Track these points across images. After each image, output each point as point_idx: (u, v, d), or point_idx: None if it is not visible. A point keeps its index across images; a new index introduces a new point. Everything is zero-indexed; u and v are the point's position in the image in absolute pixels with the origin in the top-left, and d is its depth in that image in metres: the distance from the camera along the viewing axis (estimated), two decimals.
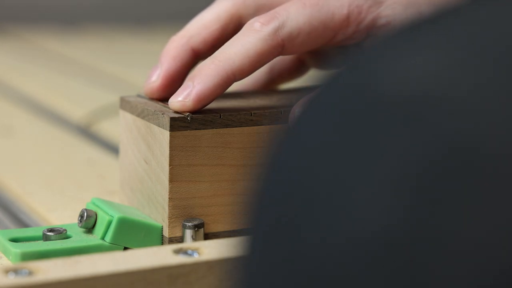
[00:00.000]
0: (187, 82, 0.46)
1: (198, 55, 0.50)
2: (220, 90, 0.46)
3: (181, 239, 0.46)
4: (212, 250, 0.40)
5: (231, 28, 0.50)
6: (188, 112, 0.46)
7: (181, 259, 0.39)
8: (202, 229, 0.45)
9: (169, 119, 0.45)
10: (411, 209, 0.23)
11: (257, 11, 0.50)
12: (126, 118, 0.49)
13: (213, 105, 0.48)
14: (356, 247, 0.24)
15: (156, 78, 0.49)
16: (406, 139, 0.24)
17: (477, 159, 0.23)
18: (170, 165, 0.45)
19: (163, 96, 0.48)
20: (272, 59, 0.48)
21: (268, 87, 0.59)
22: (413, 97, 0.25)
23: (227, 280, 0.29)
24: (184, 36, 0.50)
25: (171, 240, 0.45)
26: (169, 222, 0.45)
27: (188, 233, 0.45)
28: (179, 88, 0.47)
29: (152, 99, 0.49)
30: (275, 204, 0.27)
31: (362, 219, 0.24)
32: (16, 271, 0.37)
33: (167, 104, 0.47)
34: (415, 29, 0.27)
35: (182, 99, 0.46)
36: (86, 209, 0.46)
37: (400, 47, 0.27)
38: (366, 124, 0.25)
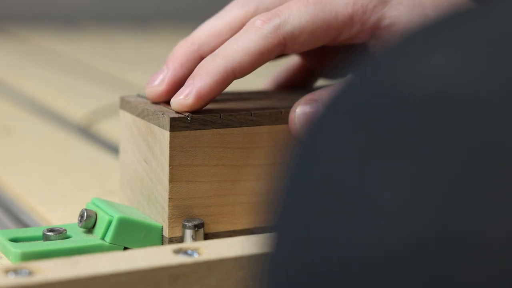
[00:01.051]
0: (188, 81, 0.46)
1: None
2: (220, 87, 0.46)
3: (181, 239, 0.46)
4: (212, 250, 0.40)
5: None
6: (189, 110, 0.46)
7: (181, 259, 0.39)
8: (202, 229, 0.45)
9: (169, 119, 0.45)
10: (437, 211, 0.23)
11: None
12: (126, 118, 0.49)
13: (213, 105, 0.47)
14: (382, 251, 0.24)
15: (160, 82, 0.48)
16: (432, 139, 0.24)
17: (503, 158, 0.23)
18: (170, 165, 0.45)
19: (166, 100, 0.48)
20: (274, 57, 0.47)
21: None
22: (438, 96, 0.25)
23: (250, 277, 0.29)
24: (194, 44, 0.49)
25: (171, 240, 0.45)
26: (169, 222, 0.45)
27: (188, 233, 0.45)
28: (181, 88, 0.46)
29: None
30: (301, 204, 0.26)
31: (387, 223, 0.24)
32: (16, 271, 0.37)
33: (167, 105, 0.47)
34: (437, 27, 0.27)
35: (183, 97, 0.45)
36: (86, 209, 0.46)
37: (423, 45, 0.27)
38: (392, 124, 0.25)
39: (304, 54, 0.57)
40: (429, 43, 0.27)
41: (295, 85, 0.57)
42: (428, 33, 0.27)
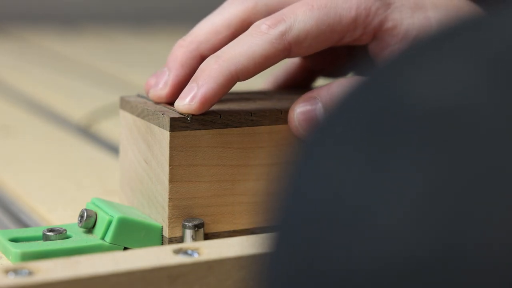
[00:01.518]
0: (191, 84, 0.46)
1: None
2: (224, 91, 0.46)
3: (181, 239, 0.46)
4: (212, 250, 0.40)
5: (241, 34, 0.49)
6: (194, 114, 0.45)
7: (181, 259, 0.39)
8: (202, 229, 0.45)
9: (169, 119, 0.44)
10: (437, 223, 0.23)
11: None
12: (126, 118, 0.49)
13: (213, 105, 0.47)
14: (382, 254, 0.24)
15: (164, 85, 0.48)
16: (433, 152, 0.24)
17: (506, 176, 0.23)
18: (170, 165, 0.45)
19: (170, 102, 0.48)
20: (277, 62, 0.47)
21: None
22: (440, 109, 0.25)
23: (250, 277, 0.29)
24: (193, 42, 0.49)
25: (171, 240, 0.45)
26: (169, 222, 0.45)
27: (188, 233, 0.45)
28: (184, 90, 0.46)
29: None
30: (302, 205, 0.26)
31: (387, 230, 0.24)
32: (16, 271, 0.37)
33: (168, 105, 0.47)
34: (441, 39, 0.27)
35: (188, 102, 0.45)
36: (86, 209, 0.46)
37: (427, 57, 0.27)
38: (393, 134, 0.25)
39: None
40: (433, 55, 0.27)
41: (295, 84, 0.57)
42: (433, 45, 0.27)
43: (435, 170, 0.24)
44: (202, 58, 0.48)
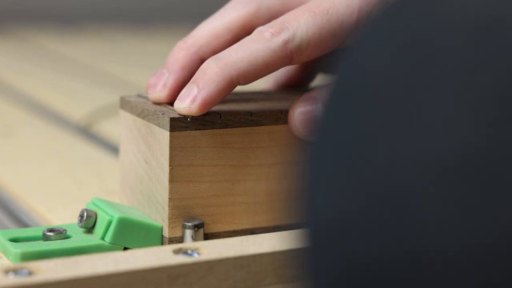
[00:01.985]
0: (191, 85, 0.46)
1: None
2: (224, 94, 0.45)
3: (181, 239, 0.46)
4: (212, 250, 0.40)
5: (243, 38, 0.48)
6: (193, 116, 0.45)
7: (181, 259, 0.39)
8: (202, 229, 0.45)
9: (169, 119, 0.45)
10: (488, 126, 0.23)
11: (270, 21, 0.48)
12: (126, 118, 0.49)
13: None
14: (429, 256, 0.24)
15: (163, 87, 0.48)
16: (480, 60, 0.24)
17: None
18: (170, 165, 0.45)
19: (170, 103, 0.48)
20: (278, 69, 0.47)
21: None
22: (485, 20, 0.24)
23: (292, 270, 0.29)
24: (194, 45, 0.49)
25: (171, 240, 0.45)
26: (169, 222, 0.45)
27: (188, 233, 0.45)
28: (183, 91, 0.46)
29: None
30: (339, 199, 0.26)
31: (432, 230, 0.24)
32: (16, 271, 0.37)
33: (167, 105, 0.47)
34: None
35: (188, 105, 0.45)
36: (86, 209, 0.46)
37: None
38: (436, 47, 0.25)
39: None
40: None
41: (296, 83, 0.57)
42: None
43: (482, 73, 0.24)
44: (202, 62, 0.48)
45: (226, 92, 0.45)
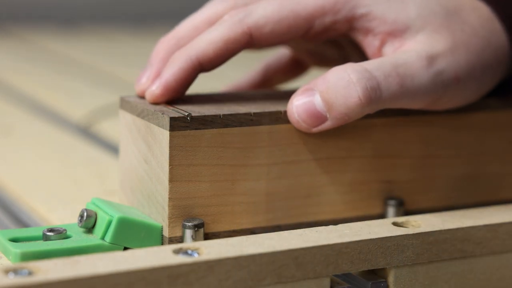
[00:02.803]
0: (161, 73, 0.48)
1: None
2: (185, 76, 0.47)
3: (181, 239, 0.46)
4: (212, 250, 0.40)
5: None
6: (160, 101, 0.47)
7: (181, 259, 0.39)
8: (202, 229, 0.45)
9: (169, 119, 0.45)
10: None
11: None
12: (126, 118, 0.49)
13: (213, 105, 0.48)
14: None
15: (146, 80, 0.49)
16: None
17: None
18: (170, 165, 0.45)
19: (163, 102, 0.48)
20: (241, 48, 0.48)
21: (263, 87, 0.59)
22: None
23: None
24: (174, 38, 0.51)
25: (171, 240, 0.45)
26: (169, 222, 0.45)
27: (188, 233, 0.45)
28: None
29: None
30: None
31: None
32: (16, 271, 0.37)
33: (167, 105, 0.47)
34: None
35: (153, 88, 0.47)
36: (86, 209, 0.46)
37: None
38: None
39: (293, 48, 0.57)
40: None
41: (285, 74, 0.59)
42: None
43: None
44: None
45: (186, 73, 0.47)
